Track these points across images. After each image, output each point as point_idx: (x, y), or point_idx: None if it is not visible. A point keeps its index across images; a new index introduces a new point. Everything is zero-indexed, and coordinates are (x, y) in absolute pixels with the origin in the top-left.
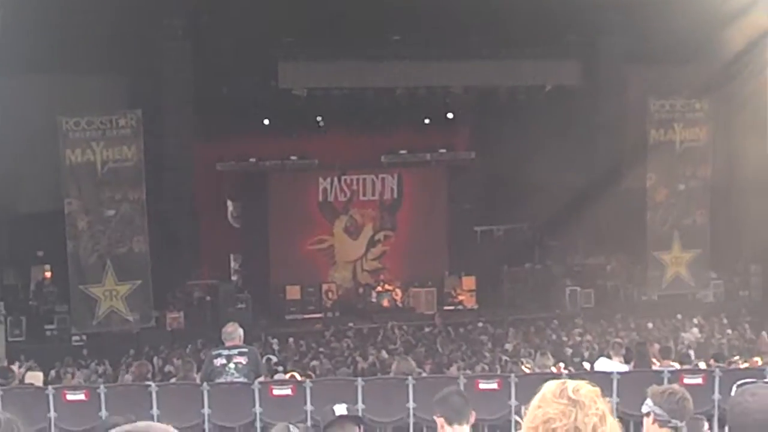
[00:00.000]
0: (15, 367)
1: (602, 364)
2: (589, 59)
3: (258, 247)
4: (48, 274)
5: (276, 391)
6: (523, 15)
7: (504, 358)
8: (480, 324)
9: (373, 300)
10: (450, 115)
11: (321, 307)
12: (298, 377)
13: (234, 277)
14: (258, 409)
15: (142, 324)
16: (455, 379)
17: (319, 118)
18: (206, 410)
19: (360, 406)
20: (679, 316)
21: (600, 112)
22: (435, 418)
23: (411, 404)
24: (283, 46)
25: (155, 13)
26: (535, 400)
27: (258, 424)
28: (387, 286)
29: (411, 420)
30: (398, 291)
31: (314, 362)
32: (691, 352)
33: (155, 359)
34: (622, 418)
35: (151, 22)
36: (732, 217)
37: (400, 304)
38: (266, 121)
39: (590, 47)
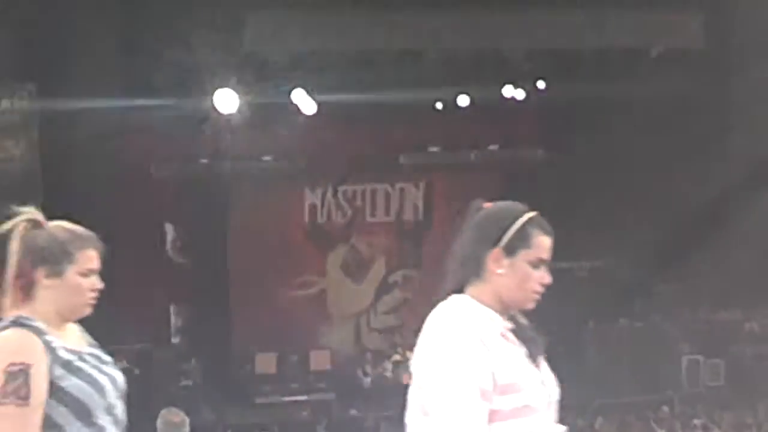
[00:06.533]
0: None
1: None
2: (718, 10)
3: (213, 295)
4: None
5: None
6: None
7: None
8: None
9: (388, 374)
10: (506, 93)
11: (309, 386)
12: None
13: (175, 340)
14: None
15: None
16: None
17: (305, 98)
18: None
19: None
20: None
21: (735, 88)
22: None
23: None
24: None
25: None
26: None
27: None
28: (409, 354)
29: None
30: None
31: None
32: None
33: None
34: None
35: None
36: None
37: None
38: (226, 102)
39: None
